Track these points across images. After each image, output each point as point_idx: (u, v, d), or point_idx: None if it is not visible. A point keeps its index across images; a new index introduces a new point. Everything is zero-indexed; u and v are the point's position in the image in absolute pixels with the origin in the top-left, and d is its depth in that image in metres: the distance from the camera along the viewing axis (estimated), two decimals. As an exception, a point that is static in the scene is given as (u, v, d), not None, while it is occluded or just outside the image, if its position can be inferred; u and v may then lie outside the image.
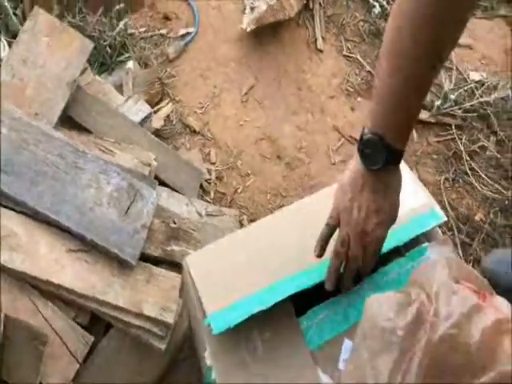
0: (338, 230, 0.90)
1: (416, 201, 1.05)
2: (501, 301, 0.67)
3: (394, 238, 0.96)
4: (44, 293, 1.03)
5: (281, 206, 1.63)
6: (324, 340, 0.89)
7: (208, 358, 0.89)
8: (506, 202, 1.70)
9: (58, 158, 1.14)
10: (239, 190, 1.62)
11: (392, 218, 0.89)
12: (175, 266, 1.23)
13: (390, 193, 0.88)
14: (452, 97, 1.83)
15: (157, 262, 1.22)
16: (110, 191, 1.17)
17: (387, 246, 0.94)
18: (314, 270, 0.93)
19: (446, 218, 1.05)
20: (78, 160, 1.17)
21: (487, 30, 2.07)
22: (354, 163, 0.89)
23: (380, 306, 0.70)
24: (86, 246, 1.09)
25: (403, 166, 0.99)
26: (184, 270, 0.97)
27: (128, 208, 1.18)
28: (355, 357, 0.72)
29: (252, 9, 1.84)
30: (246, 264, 0.95)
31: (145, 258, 1.19)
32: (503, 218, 1.69)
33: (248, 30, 1.82)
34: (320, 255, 0.92)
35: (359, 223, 0.87)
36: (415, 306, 0.66)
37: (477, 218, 1.69)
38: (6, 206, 1.06)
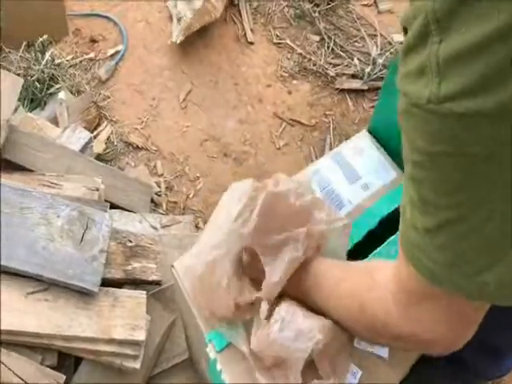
0: None
1: (387, 178, 1.11)
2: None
3: (366, 221, 1.04)
4: (7, 343, 1.06)
5: (235, 202, 1.67)
6: None
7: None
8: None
9: (1, 204, 1.16)
10: (191, 195, 1.66)
11: None
12: (139, 283, 1.27)
13: None
14: (380, 61, 1.89)
15: (120, 284, 1.25)
16: (60, 224, 1.19)
17: (361, 231, 1.00)
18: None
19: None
20: (24, 200, 1.19)
21: (405, -9, 2.12)
22: None
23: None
24: (45, 284, 1.12)
25: (371, 146, 1.13)
26: (173, 277, 1.00)
27: (82, 236, 1.21)
28: (219, 205, 0.91)
29: (179, 20, 1.86)
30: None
31: (107, 282, 1.22)
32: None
33: (178, 41, 1.84)
34: None
35: None
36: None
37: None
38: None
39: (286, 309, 0.81)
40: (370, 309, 0.71)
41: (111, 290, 1.19)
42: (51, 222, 1.18)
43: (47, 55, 1.64)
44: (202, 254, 0.89)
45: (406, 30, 0.51)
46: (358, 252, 0.97)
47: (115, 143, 1.70)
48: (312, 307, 0.84)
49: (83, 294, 1.15)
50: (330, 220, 0.88)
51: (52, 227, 1.18)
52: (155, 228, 1.49)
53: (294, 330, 0.79)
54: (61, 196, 1.23)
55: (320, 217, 0.87)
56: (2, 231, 1.13)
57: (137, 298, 1.21)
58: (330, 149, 1.78)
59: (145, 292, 1.22)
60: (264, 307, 0.84)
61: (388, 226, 1.04)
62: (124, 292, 1.21)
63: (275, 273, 0.82)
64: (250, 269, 0.88)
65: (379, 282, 0.70)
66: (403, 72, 0.51)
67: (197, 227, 1.60)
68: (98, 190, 1.33)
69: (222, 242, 0.87)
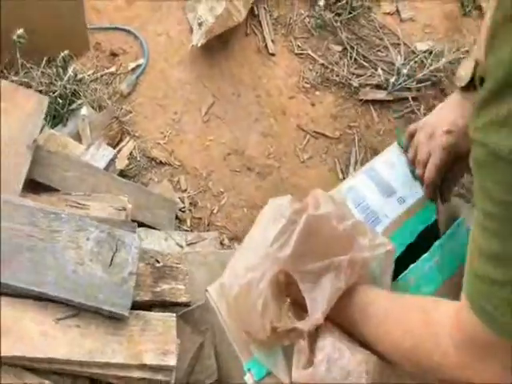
0: None
1: (414, 196, 1.09)
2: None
3: (405, 235, 1.02)
4: (38, 371, 1.04)
5: (259, 218, 1.65)
6: None
7: None
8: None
9: (30, 227, 1.14)
10: (215, 211, 1.64)
11: (465, 141, 0.92)
12: (168, 305, 1.25)
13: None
14: (404, 71, 1.86)
15: (148, 306, 1.23)
16: (90, 247, 1.17)
17: (400, 246, 0.98)
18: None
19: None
20: (53, 223, 1.17)
21: (426, -1, 2.10)
22: None
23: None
24: (75, 309, 1.10)
25: (402, 159, 1.10)
26: (208, 300, 0.98)
27: (112, 259, 1.18)
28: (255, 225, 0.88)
29: (200, 24, 1.83)
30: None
31: (136, 305, 1.19)
32: (471, 175, 1.72)
33: (199, 44, 1.81)
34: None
35: (431, 125, 0.95)
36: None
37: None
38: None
39: (331, 344, 0.78)
40: (424, 347, 0.69)
41: (141, 313, 1.17)
42: (80, 246, 1.15)
43: (69, 71, 1.61)
44: (237, 275, 0.87)
45: (481, 81, 0.50)
46: (398, 266, 0.95)
47: (138, 159, 1.67)
48: (356, 336, 0.82)
49: (113, 319, 1.13)
50: (374, 246, 0.85)
51: (81, 250, 1.15)
52: (181, 246, 1.46)
53: (341, 368, 0.76)
54: (89, 217, 1.21)
55: (363, 243, 0.84)
56: (33, 256, 1.11)
57: (167, 321, 1.18)
58: (356, 161, 1.75)
59: (174, 315, 1.20)
60: (305, 341, 0.81)
61: (427, 239, 1.03)
62: (154, 315, 1.18)
63: (317, 305, 0.79)
64: (288, 290, 0.85)
65: (435, 320, 0.68)
66: (481, 123, 0.50)
67: (221, 244, 1.57)
68: (125, 209, 1.31)
69: (258, 265, 0.84)
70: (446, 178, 0.99)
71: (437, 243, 1.01)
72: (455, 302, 0.65)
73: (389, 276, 0.87)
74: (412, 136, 1.01)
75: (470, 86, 0.93)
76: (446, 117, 0.95)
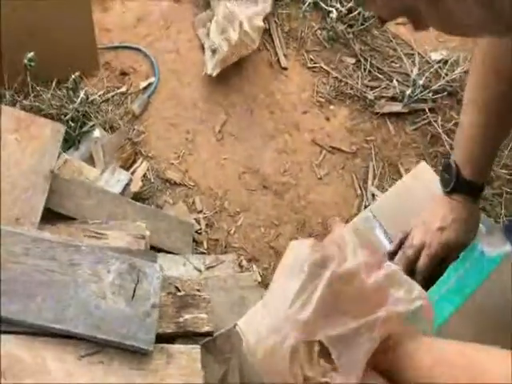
0: None
1: None
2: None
3: None
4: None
5: (277, 236, 1.62)
6: None
7: None
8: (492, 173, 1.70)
9: (50, 262, 1.11)
10: (232, 232, 1.61)
11: (455, 234, 1.02)
12: (191, 336, 1.21)
13: (457, 214, 1.02)
14: (420, 82, 1.83)
15: (172, 337, 1.20)
16: (111, 280, 1.14)
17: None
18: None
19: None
20: (73, 256, 1.14)
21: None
22: None
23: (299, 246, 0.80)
24: (98, 345, 1.07)
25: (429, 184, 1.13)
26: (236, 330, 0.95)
27: (134, 291, 1.15)
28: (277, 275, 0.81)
29: (213, 51, 1.80)
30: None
31: (158, 337, 1.16)
32: (490, 188, 1.69)
33: (214, 74, 1.79)
34: None
35: (424, 223, 1.03)
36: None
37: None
38: (4, 332, 1.02)
39: None
40: None
41: (165, 346, 1.14)
42: (102, 278, 1.12)
43: (81, 93, 1.59)
44: (261, 336, 0.82)
45: None
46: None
47: (152, 180, 1.64)
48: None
49: (137, 354, 1.10)
50: (410, 300, 0.77)
51: (103, 283, 1.12)
52: (199, 270, 1.43)
53: None
54: (109, 248, 1.18)
55: (398, 295, 0.77)
56: (53, 292, 1.08)
57: (191, 353, 1.15)
58: (374, 176, 1.72)
59: (199, 346, 1.17)
60: None
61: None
62: (177, 348, 1.15)
63: (350, 369, 0.73)
64: None
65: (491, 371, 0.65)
66: None
67: (240, 266, 1.54)
68: (143, 237, 1.28)
69: (279, 328, 0.78)
70: (437, 270, 1.04)
71: (452, 266, 1.03)
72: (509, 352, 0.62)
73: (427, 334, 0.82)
74: (406, 236, 1.08)
75: (454, 189, 1.02)
76: (436, 214, 1.04)
